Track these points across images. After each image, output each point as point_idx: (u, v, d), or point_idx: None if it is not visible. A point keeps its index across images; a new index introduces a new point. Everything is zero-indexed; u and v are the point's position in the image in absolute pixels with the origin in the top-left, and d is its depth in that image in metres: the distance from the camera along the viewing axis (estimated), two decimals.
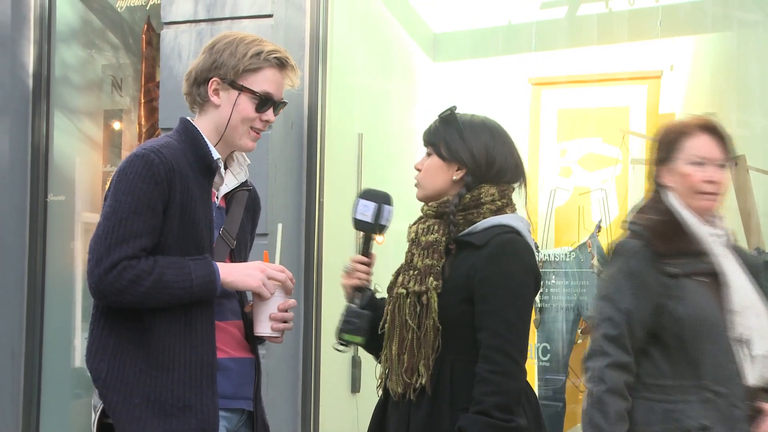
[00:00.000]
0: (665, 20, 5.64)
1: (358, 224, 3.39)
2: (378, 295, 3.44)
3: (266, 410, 3.41)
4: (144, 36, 6.43)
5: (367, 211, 3.37)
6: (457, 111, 3.34)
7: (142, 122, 6.34)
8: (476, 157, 3.27)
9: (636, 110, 5.62)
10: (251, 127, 3.27)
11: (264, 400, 3.41)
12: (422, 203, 3.40)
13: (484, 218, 3.25)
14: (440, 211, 3.29)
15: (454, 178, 3.29)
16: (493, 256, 3.17)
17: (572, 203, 5.65)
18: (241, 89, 3.24)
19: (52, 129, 6.39)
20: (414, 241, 3.32)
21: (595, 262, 5.44)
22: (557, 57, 5.96)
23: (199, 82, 3.28)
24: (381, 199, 3.39)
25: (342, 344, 3.38)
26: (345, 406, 5.97)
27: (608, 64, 5.78)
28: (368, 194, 3.41)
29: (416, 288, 3.23)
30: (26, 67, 6.28)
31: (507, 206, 3.29)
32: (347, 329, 3.34)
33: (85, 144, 6.70)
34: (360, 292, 3.38)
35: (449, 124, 3.32)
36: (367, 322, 3.34)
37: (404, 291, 3.26)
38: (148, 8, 6.50)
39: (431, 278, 3.22)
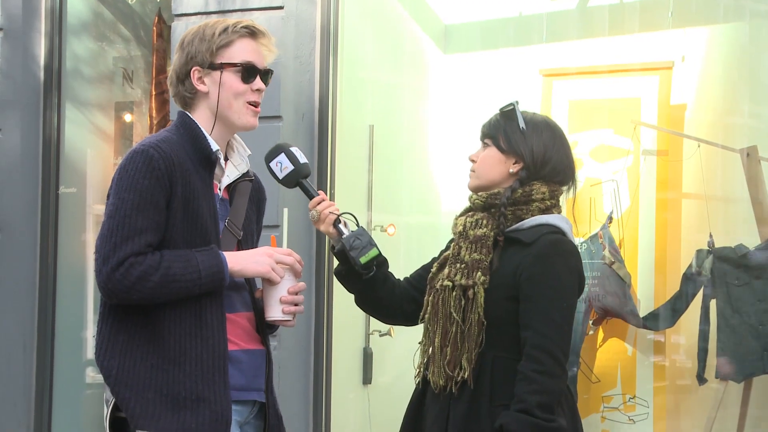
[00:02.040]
0: (677, 11, 5.62)
1: (289, 179, 3.35)
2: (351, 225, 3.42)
3: (278, 402, 3.41)
4: (155, 28, 6.43)
5: (283, 163, 3.34)
6: (518, 106, 3.36)
7: (153, 114, 6.35)
8: (534, 153, 3.30)
9: (647, 101, 5.61)
10: (247, 102, 3.27)
11: (275, 391, 3.42)
12: (471, 193, 3.42)
13: (532, 216, 3.28)
14: (489, 202, 3.31)
15: (511, 170, 3.32)
16: (540, 256, 3.18)
17: (583, 194, 5.64)
18: (222, 66, 3.24)
19: (63, 121, 6.39)
20: (462, 234, 3.33)
21: (606, 253, 5.44)
22: (568, 48, 5.95)
23: (181, 78, 3.29)
24: (282, 148, 3.36)
25: (365, 270, 3.36)
26: (356, 397, 5.98)
27: (619, 55, 5.77)
28: (269, 156, 3.36)
29: (463, 281, 3.24)
30: (37, 60, 6.29)
31: (554, 207, 3.34)
32: (359, 254, 3.32)
33: (96, 136, 6.71)
34: (339, 224, 3.36)
35: (510, 118, 3.33)
36: (369, 235, 3.34)
37: (450, 284, 3.26)
38: (158, 0, 6.51)
39: (479, 273, 3.23)
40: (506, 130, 3.33)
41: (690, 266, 5.39)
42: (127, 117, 6.80)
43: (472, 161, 3.39)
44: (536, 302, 3.15)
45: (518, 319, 3.17)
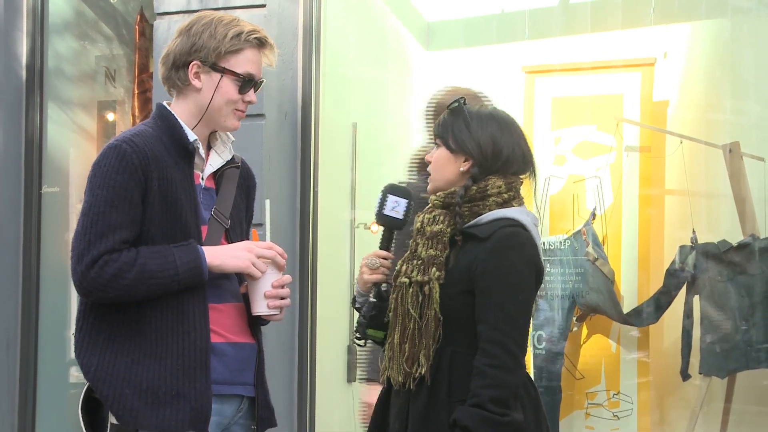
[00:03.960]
0: (659, 7, 5.64)
1: (387, 220, 3.33)
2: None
3: (270, 396, 3.41)
4: (137, 27, 6.42)
5: (399, 207, 3.32)
6: (465, 103, 3.33)
7: (136, 113, 6.34)
8: (482, 148, 3.25)
9: (630, 98, 5.62)
10: (235, 109, 3.26)
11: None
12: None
13: (490, 210, 3.24)
14: (447, 201, 3.28)
15: (462, 169, 3.28)
16: (495, 249, 3.15)
17: (567, 191, 5.65)
18: (224, 71, 3.21)
19: (45, 121, 6.37)
20: (419, 231, 3.31)
21: (590, 249, 5.45)
22: (551, 45, 5.96)
23: (178, 65, 3.23)
24: (407, 195, 3.34)
25: (361, 338, 3.34)
26: (341, 395, 5.98)
27: (602, 51, 5.78)
28: (395, 190, 3.34)
29: (419, 278, 3.23)
30: (19, 59, 6.27)
31: (514, 199, 3.27)
32: (372, 324, 3.31)
33: (78, 135, 6.69)
34: (377, 287, 3.34)
35: (457, 116, 3.31)
36: (385, 316, 3.32)
37: (407, 280, 3.25)
38: None
39: (434, 269, 3.21)
40: (453, 128, 3.29)
41: (673, 262, 5.41)
42: (110, 116, 6.79)
43: (428, 163, 3.38)
44: (491, 296, 3.12)
45: (474, 314, 3.16)
